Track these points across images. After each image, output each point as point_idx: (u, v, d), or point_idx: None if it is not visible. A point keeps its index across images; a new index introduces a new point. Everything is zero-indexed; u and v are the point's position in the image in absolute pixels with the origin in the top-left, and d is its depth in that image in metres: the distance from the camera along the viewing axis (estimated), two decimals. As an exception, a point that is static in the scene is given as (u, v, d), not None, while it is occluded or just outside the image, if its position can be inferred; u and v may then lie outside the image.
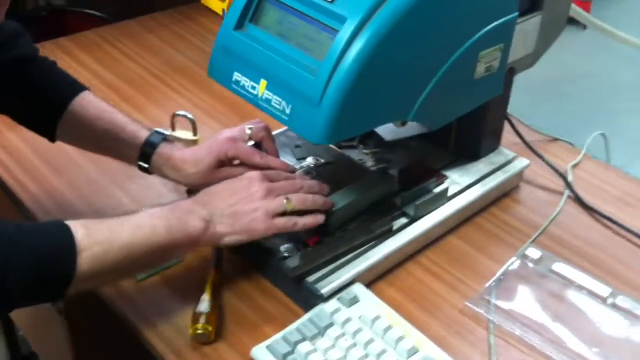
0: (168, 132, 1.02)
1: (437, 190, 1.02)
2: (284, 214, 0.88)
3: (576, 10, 1.13)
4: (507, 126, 1.13)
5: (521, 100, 1.40)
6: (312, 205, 0.90)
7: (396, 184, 1.01)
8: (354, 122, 0.84)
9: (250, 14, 0.90)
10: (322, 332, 0.84)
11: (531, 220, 1.07)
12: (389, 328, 0.83)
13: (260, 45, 0.87)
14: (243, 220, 0.86)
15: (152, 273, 0.93)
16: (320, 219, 0.90)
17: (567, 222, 1.08)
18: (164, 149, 0.97)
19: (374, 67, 0.81)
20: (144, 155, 0.97)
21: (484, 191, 1.06)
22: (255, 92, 0.87)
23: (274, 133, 1.05)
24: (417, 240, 0.98)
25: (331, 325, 0.84)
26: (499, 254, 1.00)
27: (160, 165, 0.97)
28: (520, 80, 1.09)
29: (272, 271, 0.93)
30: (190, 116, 1.17)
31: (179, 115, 1.17)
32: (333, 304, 0.87)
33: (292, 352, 0.82)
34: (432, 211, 1.00)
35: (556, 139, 1.28)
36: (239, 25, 0.90)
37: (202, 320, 0.84)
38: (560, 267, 0.96)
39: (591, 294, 0.93)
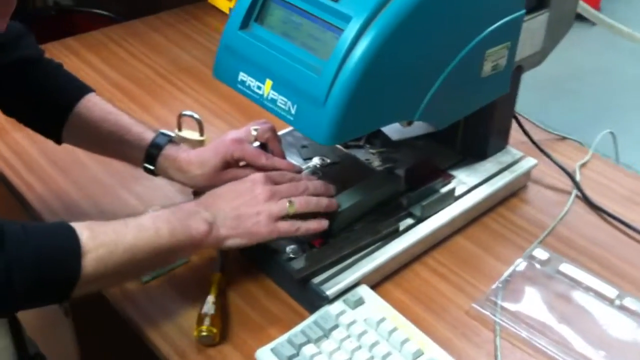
0: (174, 133, 1.02)
1: (444, 190, 1.01)
2: (287, 216, 0.88)
3: (583, 7, 1.12)
4: (514, 125, 1.13)
5: (529, 98, 1.39)
6: (315, 208, 0.90)
7: (402, 184, 1.01)
8: (359, 122, 0.83)
9: (255, 14, 0.90)
10: (326, 334, 0.83)
11: (538, 220, 1.06)
12: (394, 330, 0.83)
13: (265, 44, 0.87)
14: (246, 223, 0.86)
15: (157, 274, 0.93)
16: (324, 224, 0.90)
17: (575, 222, 1.07)
18: (169, 150, 0.97)
19: (379, 67, 0.80)
20: (150, 156, 0.97)
21: (491, 191, 1.05)
22: (260, 92, 0.87)
23: (280, 133, 1.05)
24: (424, 240, 0.97)
25: (336, 327, 0.84)
26: (506, 254, 0.99)
27: (165, 166, 0.97)
28: (527, 78, 1.08)
29: (277, 272, 0.92)
30: (196, 116, 1.17)
31: (185, 115, 1.17)
32: (338, 305, 0.86)
33: (296, 355, 0.81)
34: (438, 211, 1.00)
35: (564, 138, 1.27)
36: (244, 25, 0.90)
37: (207, 322, 0.84)
38: (567, 268, 0.95)
39: (598, 295, 0.92)
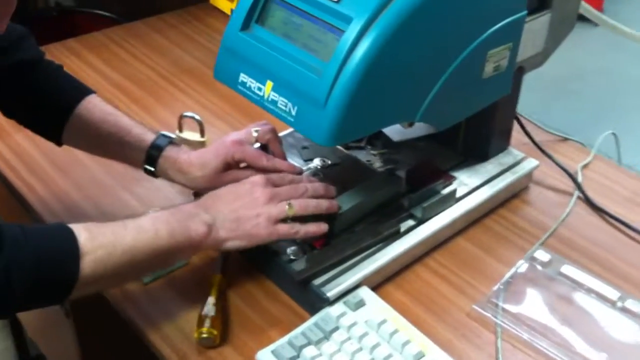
0: (174, 135, 1.02)
1: (445, 191, 1.01)
2: (286, 219, 0.88)
3: (586, 8, 1.12)
4: (516, 126, 1.12)
5: (531, 98, 1.39)
6: (315, 210, 0.90)
7: (403, 185, 1.01)
8: (360, 124, 0.83)
9: (256, 15, 0.89)
10: (327, 335, 0.83)
11: (540, 221, 1.06)
12: (394, 332, 0.83)
13: (266, 46, 0.87)
14: (245, 226, 0.86)
15: (157, 276, 0.93)
16: (323, 227, 0.90)
17: (576, 223, 1.07)
18: (169, 151, 0.97)
19: (380, 68, 0.80)
20: (150, 158, 0.97)
21: (492, 192, 1.05)
22: (261, 94, 0.87)
23: (280, 134, 1.05)
24: (425, 242, 0.97)
25: (337, 329, 0.84)
26: (507, 256, 0.99)
27: (166, 168, 0.97)
28: (529, 79, 1.08)
29: (278, 274, 0.92)
30: (197, 117, 1.17)
31: (186, 116, 1.17)
32: (339, 307, 0.86)
33: (297, 357, 0.81)
34: (439, 213, 1.00)
35: (566, 139, 1.26)
36: (245, 26, 0.90)
37: (207, 323, 0.84)
38: (568, 270, 0.95)
39: (600, 297, 0.92)
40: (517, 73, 1.01)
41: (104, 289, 0.89)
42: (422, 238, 0.96)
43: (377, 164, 1.08)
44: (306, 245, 0.91)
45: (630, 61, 3.43)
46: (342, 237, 0.93)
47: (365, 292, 0.89)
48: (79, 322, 1.09)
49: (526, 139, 1.14)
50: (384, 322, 0.84)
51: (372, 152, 1.11)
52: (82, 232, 0.76)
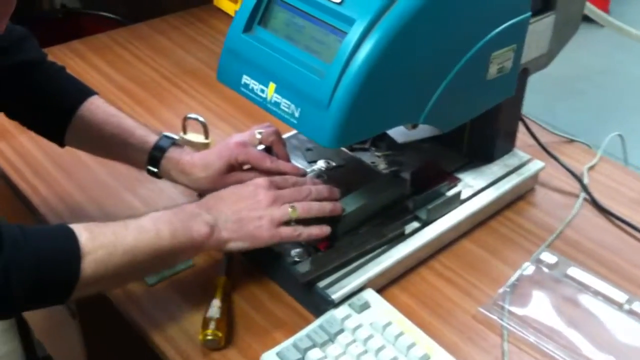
0: (177, 136, 1.01)
1: (450, 193, 1.01)
2: (290, 221, 0.88)
3: (590, 9, 1.11)
4: (521, 127, 1.12)
5: (537, 99, 1.39)
6: (318, 213, 0.89)
7: (408, 187, 1.00)
8: (363, 125, 0.83)
9: (259, 17, 0.89)
10: (332, 338, 0.83)
11: (546, 223, 1.06)
12: (400, 334, 0.82)
13: (268, 48, 0.86)
14: (248, 227, 0.86)
15: (162, 277, 0.93)
16: (325, 230, 0.89)
17: (583, 225, 1.06)
18: (172, 152, 0.97)
19: (383, 70, 0.79)
20: (153, 159, 0.97)
21: (497, 194, 1.05)
22: (264, 95, 0.86)
23: (284, 136, 1.04)
24: (430, 244, 0.97)
25: (341, 331, 0.84)
26: (513, 258, 0.99)
27: (168, 169, 0.97)
28: (535, 79, 1.08)
29: (282, 276, 0.92)
30: (201, 119, 1.16)
31: (190, 118, 1.17)
32: (343, 309, 0.86)
33: (302, 359, 0.81)
34: (444, 215, 0.99)
35: (572, 140, 1.26)
36: (247, 28, 0.89)
37: (212, 325, 0.84)
38: (575, 272, 0.94)
39: (607, 299, 0.91)
40: (521, 74, 1.01)
41: (105, 290, 0.89)
42: (427, 240, 0.96)
43: (382, 166, 1.08)
44: (310, 247, 0.91)
45: (636, 62, 3.41)
46: (346, 239, 0.92)
47: (370, 295, 0.88)
48: (85, 323, 1.09)
49: (532, 141, 1.14)
50: (389, 324, 0.84)
51: (377, 153, 1.10)
52: (83, 232, 0.76)
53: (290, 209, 0.88)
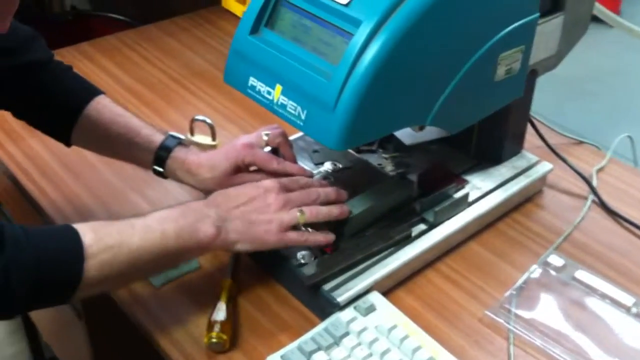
0: (184, 136, 1.01)
1: (457, 195, 1.00)
2: (297, 225, 0.88)
3: (600, 10, 1.11)
4: (530, 129, 1.11)
5: (546, 100, 1.38)
6: (326, 218, 0.89)
7: (415, 189, 1.00)
8: (370, 127, 0.82)
9: (265, 18, 0.89)
10: (337, 341, 0.82)
11: (554, 225, 1.05)
12: (405, 337, 0.82)
13: (275, 49, 0.86)
14: (256, 230, 0.86)
15: (168, 279, 0.93)
16: (330, 238, 0.89)
17: (591, 227, 1.05)
18: (178, 152, 0.97)
19: (390, 71, 0.79)
20: (159, 159, 0.97)
21: (505, 196, 1.04)
22: (270, 97, 0.86)
23: (291, 138, 1.04)
24: (437, 246, 0.96)
25: (347, 334, 0.83)
26: (521, 260, 0.98)
27: (174, 169, 0.97)
28: (543, 80, 1.07)
29: (288, 278, 0.92)
30: (209, 121, 1.17)
31: (197, 120, 1.17)
32: (349, 312, 0.86)
33: (307, 362, 0.81)
34: (451, 217, 0.99)
35: (581, 142, 1.25)
36: (254, 30, 0.89)
37: (217, 328, 0.84)
38: (582, 275, 0.94)
39: (614, 302, 0.90)
40: (530, 76, 1.00)
41: (110, 290, 0.89)
42: (433, 242, 0.95)
43: (389, 168, 1.07)
44: (316, 249, 0.90)
45: (646, 62, 3.40)
46: (352, 242, 0.92)
47: (375, 297, 0.88)
48: (91, 324, 1.09)
49: (540, 142, 1.13)
50: (394, 327, 0.83)
51: (384, 155, 1.10)
52: (88, 232, 0.76)
53: (298, 214, 0.87)
